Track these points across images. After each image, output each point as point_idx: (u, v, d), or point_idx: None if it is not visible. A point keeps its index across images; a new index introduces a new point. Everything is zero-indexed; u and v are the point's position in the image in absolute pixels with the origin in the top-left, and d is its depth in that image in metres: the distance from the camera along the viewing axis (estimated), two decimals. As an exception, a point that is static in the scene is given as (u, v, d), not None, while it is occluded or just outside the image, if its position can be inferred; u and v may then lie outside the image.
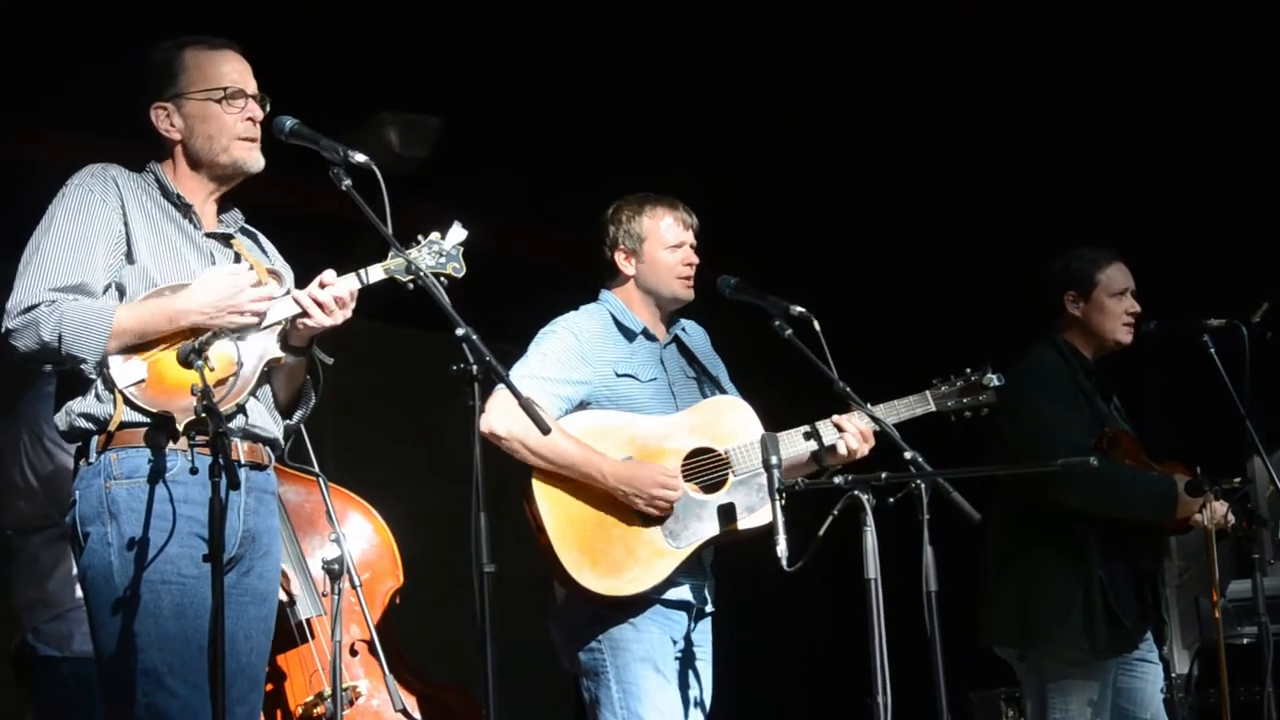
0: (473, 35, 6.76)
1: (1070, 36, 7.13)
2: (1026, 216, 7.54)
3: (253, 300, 3.88)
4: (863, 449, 4.81)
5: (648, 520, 4.69)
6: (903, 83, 7.31)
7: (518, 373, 4.72)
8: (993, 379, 4.96)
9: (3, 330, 3.79)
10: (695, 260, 4.99)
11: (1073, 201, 7.41)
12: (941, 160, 7.63)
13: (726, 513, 4.74)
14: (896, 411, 4.89)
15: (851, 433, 4.80)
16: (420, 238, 4.05)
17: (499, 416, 4.58)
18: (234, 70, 4.05)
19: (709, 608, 4.86)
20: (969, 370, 4.99)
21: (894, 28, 7.08)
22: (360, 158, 3.94)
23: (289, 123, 4.00)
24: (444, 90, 7.08)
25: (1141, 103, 7.22)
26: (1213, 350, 5.49)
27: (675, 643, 4.75)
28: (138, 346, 3.82)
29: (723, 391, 5.05)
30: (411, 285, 3.93)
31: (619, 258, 4.99)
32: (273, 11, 6.16)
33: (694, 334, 5.14)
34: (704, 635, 4.85)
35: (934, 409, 4.95)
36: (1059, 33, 7.11)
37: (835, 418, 4.83)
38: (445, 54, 6.82)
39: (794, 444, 4.80)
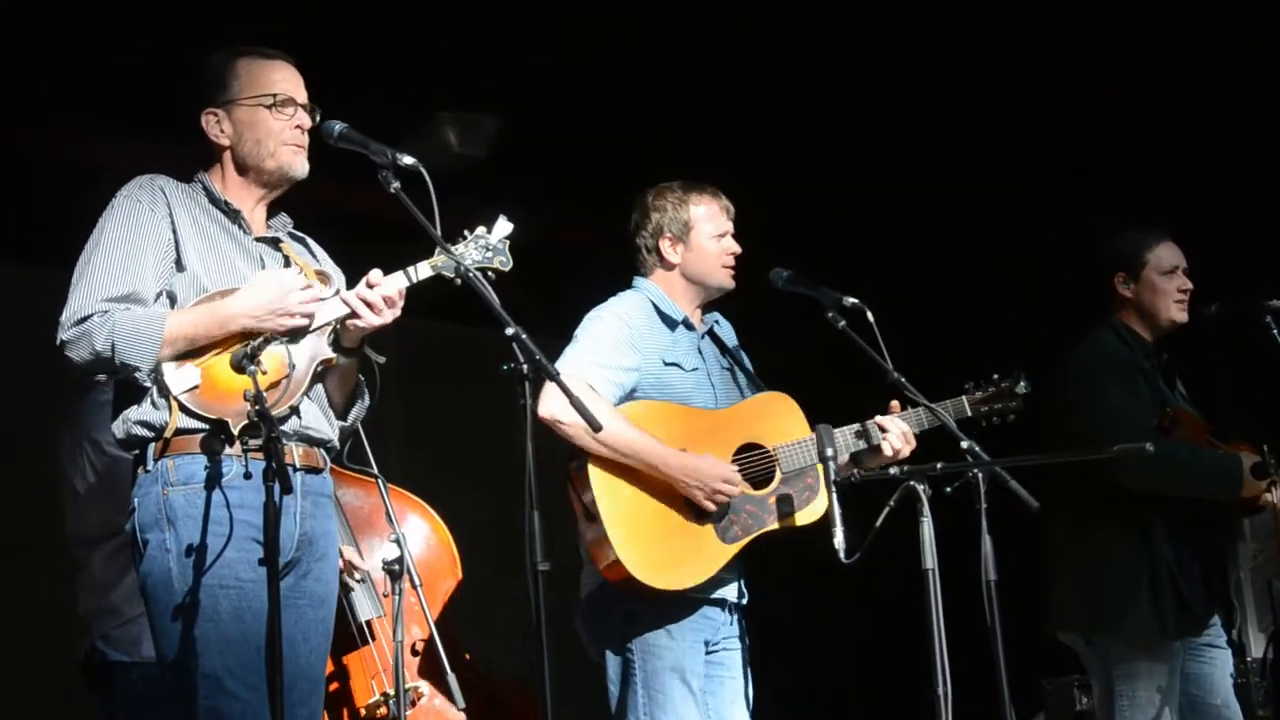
0: (527, 31, 6.78)
1: (1137, 14, 7.06)
2: (1073, 201, 7.51)
3: (301, 303, 3.90)
4: (905, 450, 4.80)
5: (701, 516, 4.67)
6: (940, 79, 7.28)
7: (572, 359, 4.70)
8: (1022, 386, 4.96)
9: (57, 342, 3.83)
10: (738, 250, 4.98)
11: (1129, 186, 7.35)
12: (1008, 136, 7.61)
13: (775, 509, 4.74)
14: (935, 417, 4.88)
15: (895, 433, 4.80)
16: (466, 233, 4.05)
17: (560, 402, 4.46)
18: (285, 79, 4.10)
19: (744, 600, 4.85)
20: (997, 376, 4.99)
21: (938, 26, 7.05)
22: (408, 160, 3.95)
23: (338, 127, 4.03)
24: (497, 86, 7.12)
25: (1201, 87, 7.15)
26: (1276, 331, 5.42)
27: (709, 644, 4.74)
28: (191, 352, 3.85)
29: (755, 383, 5.04)
30: (459, 282, 3.93)
31: (664, 245, 4.96)
32: (327, 14, 6.24)
33: (724, 325, 5.12)
34: (737, 628, 4.83)
35: (969, 414, 4.93)
36: (1121, 13, 7.05)
37: (878, 419, 4.83)
38: (498, 51, 6.85)
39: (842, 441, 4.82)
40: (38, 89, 6.28)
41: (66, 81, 6.26)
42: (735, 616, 4.83)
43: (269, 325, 3.86)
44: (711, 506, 4.64)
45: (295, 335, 3.91)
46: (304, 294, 3.92)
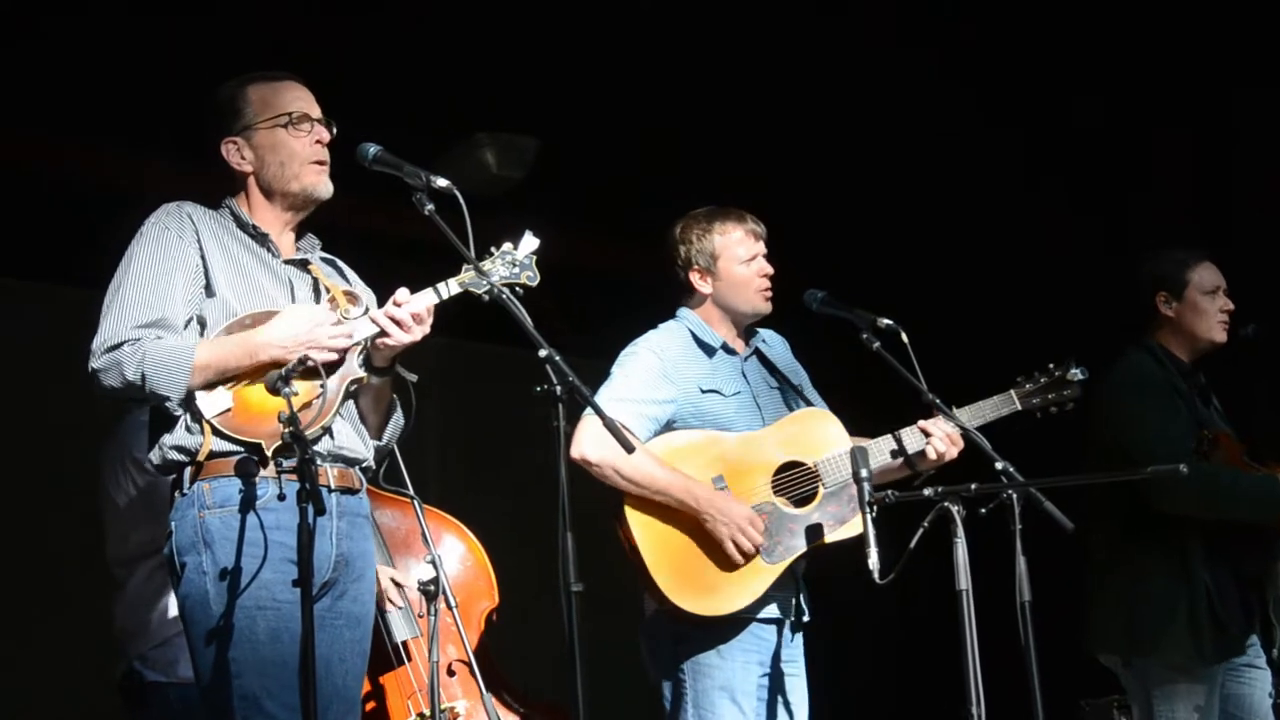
0: (558, 52, 6.82)
1: (1175, 35, 7.05)
2: (1101, 220, 7.49)
3: (331, 336, 3.92)
4: (951, 452, 4.80)
5: None
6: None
7: (603, 395, 4.71)
8: (1076, 373, 4.93)
9: (89, 369, 3.87)
10: (771, 270, 4.98)
11: (1159, 205, 7.33)
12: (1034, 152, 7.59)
13: (818, 526, 4.74)
14: (983, 413, 4.87)
15: (939, 436, 4.80)
16: (493, 249, 4.07)
17: (590, 442, 4.58)
18: (297, 98, 4.13)
19: (805, 618, 4.84)
20: (1051, 366, 4.96)
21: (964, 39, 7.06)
22: (442, 182, 3.97)
23: (372, 150, 4.04)
24: (535, 108, 7.15)
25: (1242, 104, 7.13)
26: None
27: (763, 664, 4.74)
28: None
29: (806, 401, 5.03)
30: (487, 299, 3.96)
31: (694, 277, 4.97)
32: (369, 37, 6.28)
33: (774, 343, 5.12)
34: (796, 649, 4.83)
35: (1019, 408, 4.92)
36: (1166, 29, 7.04)
37: (921, 423, 4.83)
38: (535, 73, 6.88)
39: (881, 453, 4.81)
40: (89, 113, 6.36)
41: (118, 106, 6.33)
42: (795, 636, 4.82)
43: (298, 356, 3.86)
44: (732, 548, 4.63)
45: (328, 369, 3.91)
46: (335, 329, 3.94)
